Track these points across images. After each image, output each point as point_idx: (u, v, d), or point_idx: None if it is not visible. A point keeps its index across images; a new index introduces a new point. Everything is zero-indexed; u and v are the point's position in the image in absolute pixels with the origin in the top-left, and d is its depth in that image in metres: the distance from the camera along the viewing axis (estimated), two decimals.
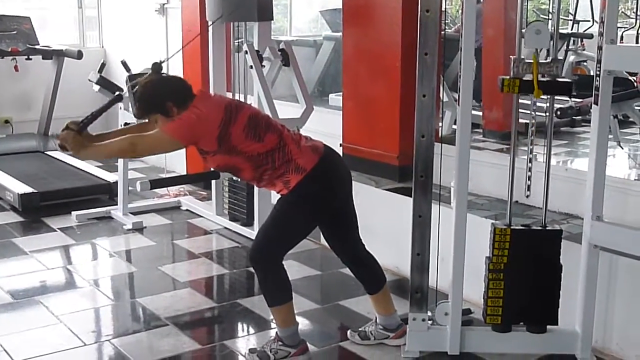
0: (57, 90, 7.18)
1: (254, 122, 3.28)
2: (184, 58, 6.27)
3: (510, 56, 3.34)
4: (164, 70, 3.53)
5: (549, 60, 3.32)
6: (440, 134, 3.71)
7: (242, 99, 5.39)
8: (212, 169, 4.12)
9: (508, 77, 3.30)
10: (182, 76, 6.17)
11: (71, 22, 8.24)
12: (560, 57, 7.56)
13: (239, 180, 5.29)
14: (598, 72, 3.22)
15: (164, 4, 7.01)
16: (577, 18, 8.38)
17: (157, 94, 3.33)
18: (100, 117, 3.57)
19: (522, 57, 3.31)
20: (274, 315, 3.50)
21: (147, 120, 3.44)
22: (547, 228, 3.44)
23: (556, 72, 3.32)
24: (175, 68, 6.24)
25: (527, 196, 3.45)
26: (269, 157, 3.26)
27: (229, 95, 5.53)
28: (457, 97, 3.43)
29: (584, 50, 7.94)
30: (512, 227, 3.41)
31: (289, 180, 3.27)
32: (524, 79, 3.29)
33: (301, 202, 3.30)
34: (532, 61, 3.25)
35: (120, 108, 5.44)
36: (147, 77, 3.43)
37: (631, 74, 5.42)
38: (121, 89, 3.59)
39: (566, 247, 3.45)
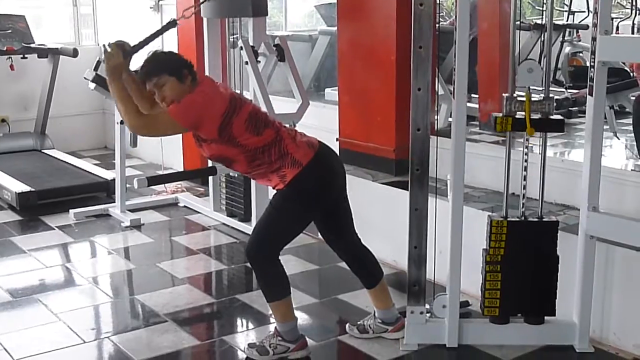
0: (53, 88, 7.17)
1: (254, 117, 3.29)
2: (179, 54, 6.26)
3: (503, 94, 3.39)
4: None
5: (541, 98, 3.36)
6: (436, 127, 3.71)
7: None
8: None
9: (501, 114, 3.35)
10: None
11: (66, 20, 8.22)
12: (556, 48, 7.57)
13: (235, 176, 5.31)
14: (592, 64, 3.23)
15: (158, 1, 7.00)
16: (573, 9, 8.37)
17: (175, 59, 3.35)
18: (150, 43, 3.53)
19: (515, 95, 3.36)
20: (273, 311, 3.51)
21: (149, 86, 3.29)
22: (544, 219, 3.45)
23: (548, 109, 3.37)
24: None
25: (523, 212, 3.46)
26: (265, 152, 3.26)
27: None
28: (452, 90, 3.44)
29: (579, 41, 7.94)
30: (508, 219, 3.42)
31: (285, 174, 3.27)
32: (517, 117, 3.34)
33: (297, 196, 3.31)
34: (524, 99, 3.29)
35: None
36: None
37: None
38: (174, 19, 3.48)
39: (563, 238, 3.46)
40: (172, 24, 3.51)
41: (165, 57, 3.39)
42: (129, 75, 3.42)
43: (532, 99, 3.33)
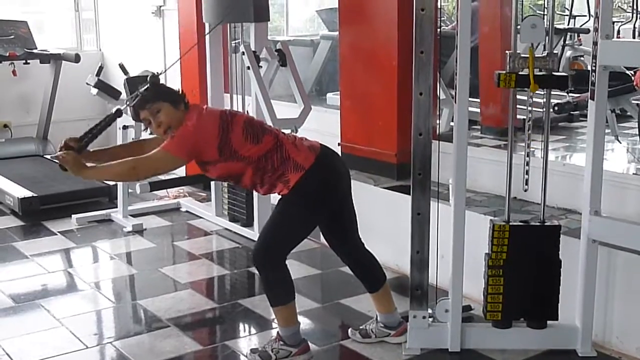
0: (55, 94, 7.18)
1: (250, 125, 3.32)
2: (181, 60, 6.27)
3: (506, 51, 3.35)
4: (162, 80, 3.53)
5: (544, 54, 3.33)
6: (437, 132, 3.71)
7: (239, 100, 5.40)
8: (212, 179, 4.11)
9: (504, 71, 3.31)
10: (180, 77, 6.23)
11: (68, 25, 8.23)
12: (557, 52, 7.57)
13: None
14: (594, 68, 3.23)
15: (160, 6, 7.01)
16: (574, 13, 8.39)
17: (168, 88, 3.46)
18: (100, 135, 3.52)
19: (518, 51, 3.32)
20: (276, 315, 3.50)
21: (143, 114, 3.35)
22: (546, 224, 3.45)
23: (552, 66, 3.33)
24: (172, 70, 6.25)
25: (525, 190, 3.46)
26: (267, 159, 3.28)
27: (227, 95, 5.55)
28: (454, 94, 3.44)
29: (580, 45, 7.95)
30: (510, 223, 3.42)
31: (288, 179, 3.28)
32: (520, 73, 3.30)
33: (301, 200, 3.31)
34: (527, 56, 3.26)
35: None
36: None
37: (629, 68, 5.42)
38: (119, 109, 3.52)
39: (565, 242, 3.46)
40: (117, 113, 3.56)
41: (158, 87, 3.45)
42: (94, 157, 3.43)
43: (536, 55, 3.28)
